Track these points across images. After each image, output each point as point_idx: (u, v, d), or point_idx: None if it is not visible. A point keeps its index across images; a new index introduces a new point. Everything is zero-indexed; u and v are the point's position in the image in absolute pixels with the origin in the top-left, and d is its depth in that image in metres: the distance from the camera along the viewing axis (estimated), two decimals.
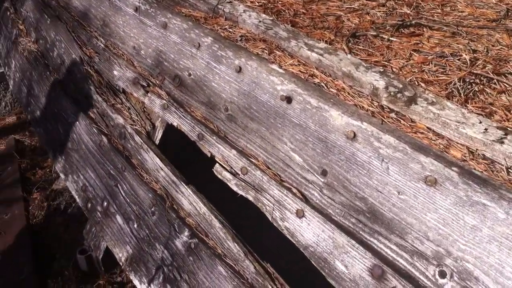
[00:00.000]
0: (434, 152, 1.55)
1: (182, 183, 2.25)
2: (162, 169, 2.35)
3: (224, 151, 2.12)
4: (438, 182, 1.48)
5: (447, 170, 1.47)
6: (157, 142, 2.53)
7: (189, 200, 2.20)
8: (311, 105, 1.86)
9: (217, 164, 2.10)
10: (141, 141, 2.51)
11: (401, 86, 1.79)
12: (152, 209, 2.28)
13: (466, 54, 2.03)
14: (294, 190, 1.86)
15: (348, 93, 1.88)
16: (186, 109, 2.39)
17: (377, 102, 1.81)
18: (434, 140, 1.62)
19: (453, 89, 1.83)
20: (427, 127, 1.67)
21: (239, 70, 2.15)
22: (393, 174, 1.60)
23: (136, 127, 2.59)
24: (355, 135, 1.71)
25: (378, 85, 1.81)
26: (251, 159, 2.04)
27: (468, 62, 1.95)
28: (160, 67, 2.62)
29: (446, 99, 1.74)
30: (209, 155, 2.19)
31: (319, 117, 1.82)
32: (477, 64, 1.97)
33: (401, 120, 1.71)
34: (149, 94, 2.56)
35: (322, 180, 1.80)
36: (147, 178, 2.43)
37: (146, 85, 2.61)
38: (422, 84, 1.87)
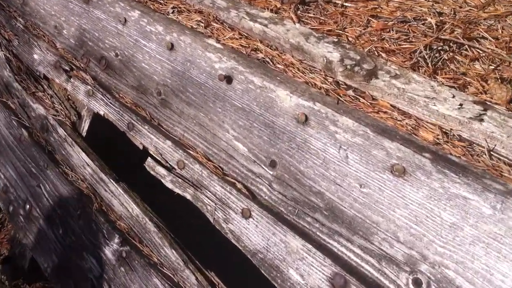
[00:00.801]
0: (401, 136, 1.29)
1: (112, 180, 1.93)
2: (88, 165, 2.03)
3: (157, 142, 1.81)
4: (407, 171, 1.22)
5: (417, 156, 1.22)
6: (83, 134, 2.20)
7: (119, 200, 1.89)
8: (255, 85, 1.57)
9: (149, 158, 1.79)
10: (65, 133, 2.17)
11: (358, 58, 1.52)
12: (78, 212, 1.95)
13: (431, 18, 1.76)
14: (239, 186, 1.58)
15: (298, 69, 1.60)
16: (114, 95, 2.06)
17: (332, 77, 1.54)
18: (400, 121, 1.36)
19: (418, 58, 1.57)
20: (391, 105, 1.40)
21: (171, 47, 1.84)
22: (353, 164, 1.33)
23: (60, 118, 2.24)
24: (307, 118, 1.43)
25: (332, 57, 1.53)
26: (189, 150, 1.74)
27: (434, 26, 1.69)
28: (85, 48, 2.27)
29: (412, 71, 1.48)
30: (141, 147, 1.88)
31: (265, 99, 1.54)
32: (444, 29, 1.71)
33: (360, 98, 1.44)
34: (72, 80, 2.22)
35: (271, 172, 1.52)
36: (72, 176, 2.09)
37: (69, 69, 2.27)
38: (383, 55, 1.60)
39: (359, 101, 1.43)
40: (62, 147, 2.18)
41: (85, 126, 2.18)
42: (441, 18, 1.77)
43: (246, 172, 1.59)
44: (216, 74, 1.68)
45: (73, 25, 2.37)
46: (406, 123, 1.35)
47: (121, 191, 1.88)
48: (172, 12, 1.94)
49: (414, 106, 1.37)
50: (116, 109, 2.00)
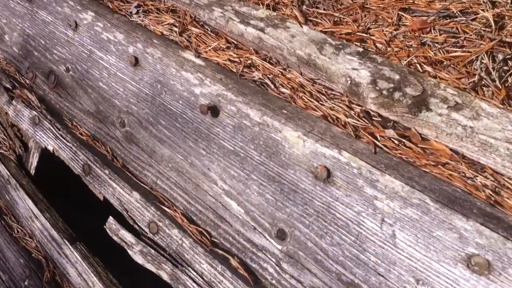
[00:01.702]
0: (480, 208, 0.87)
1: (66, 240, 1.50)
2: (37, 218, 1.60)
3: (122, 193, 1.37)
4: (493, 267, 0.81)
5: (509, 245, 0.79)
6: (32, 171, 1.75)
7: (76, 269, 1.45)
8: (251, 120, 1.13)
9: (110, 217, 1.35)
10: (8, 172, 1.72)
11: (397, 77, 1.09)
12: (26, 283, 1.52)
13: (485, 11, 1.31)
14: (234, 263, 1.15)
15: (310, 94, 1.16)
16: (65, 123, 1.62)
17: (359, 106, 1.10)
18: (472, 178, 0.94)
19: (481, 74, 1.13)
20: (453, 151, 0.98)
21: (135, 62, 1.39)
22: (404, 247, 0.91)
23: (1, 151, 1.79)
24: (329, 173, 1.00)
25: (359, 77, 1.10)
26: (164, 207, 1.30)
27: (492, 23, 1.24)
28: (30, 59, 1.82)
29: (476, 96, 1.05)
30: (101, 197, 1.43)
31: (266, 141, 1.11)
32: (507, 27, 1.27)
33: (406, 141, 1.01)
34: (14, 102, 1.77)
35: (279, 246, 1.09)
36: (18, 231, 1.65)
37: (11, 87, 1.81)
38: (428, 69, 1.16)
39: (405, 146, 1.00)
40: (5, 190, 1.75)
41: (33, 161, 1.74)
42: (497, 10, 1.32)
43: (243, 243, 1.16)
44: (197, 102, 1.24)
45: (15, 28, 1.91)
46: (482, 182, 0.92)
47: (77, 256, 1.45)
48: (137, 13, 1.49)
49: (490, 155, 0.94)
50: (68, 143, 1.56)
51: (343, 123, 1.09)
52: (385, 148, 1.00)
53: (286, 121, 1.10)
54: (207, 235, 1.24)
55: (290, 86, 1.20)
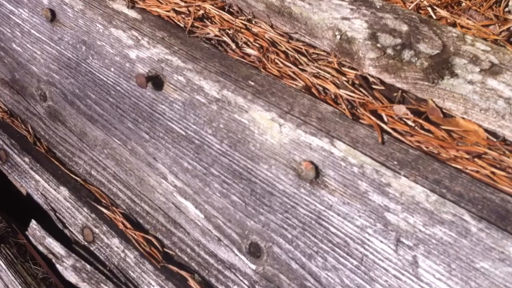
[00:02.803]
0: None
1: None
2: None
3: (47, 188, 1.05)
4: None
5: None
6: None
7: (2, 278, 1.14)
8: (206, 95, 0.81)
9: (32, 220, 1.03)
10: None
11: (405, 28, 0.79)
12: None
13: None
14: (194, 285, 0.85)
15: (286, 56, 0.84)
16: None
17: (354, 70, 0.80)
18: None
19: None
20: (489, 133, 0.69)
21: (52, 17, 1.04)
22: (432, 280, 0.63)
23: None
24: (318, 172, 0.70)
25: (352, 31, 0.80)
26: (100, 207, 0.99)
27: None
28: None
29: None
30: (23, 192, 1.11)
31: (228, 123, 0.80)
32: None
33: (424, 123, 0.71)
34: None
35: (253, 266, 0.80)
36: None
37: None
38: (443, 13, 0.86)
39: (423, 129, 0.70)
40: None
41: None
42: None
43: (205, 257, 0.87)
44: (133, 70, 0.91)
45: None
46: None
47: (2, 264, 1.14)
48: None
49: None
50: None
51: (333, 96, 0.78)
52: (395, 134, 0.70)
53: (254, 97, 0.78)
54: (157, 245, 0.93)
55: (257, 45, 0.88)
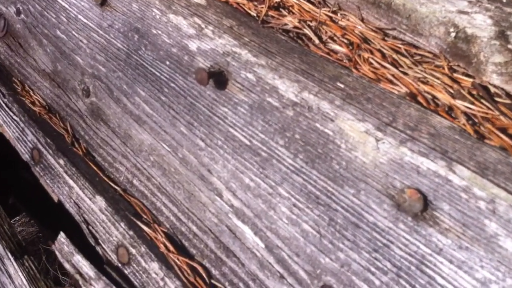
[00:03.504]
0: None
1: (10, 254, 1.05)
2: None
3: (81, 196, 0.92)
4: None
5: None
6: None
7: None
8: (281, 98, 0.67)
9: (61, 233, 0.89)
10: None
11: None
12: None
13: None
14: None
15: (382, 56, 0.68)
16: (15, 88, 1.15)
17: (470, 78, 0.62)
18: None
19: None
20: None
21: (103, 0, 0.90)
22: None
23: None
24: (426, 204, 0.53)
25: (473, 27, 0.63)
26: (140, 223, 0.84)
27: None
28: None
29: None
30: (55, 199, 0.97)
31: (307, 134, 0.66)
32: None
33: None
34: None
35: None
36: None
37: None
38: None
39: None
40: None
41: None
42: None
43: None
44: (193, 64, 0.77)
45: None
46: None
47: (23, 279, 1.00)
48: None
49: None
50: (15, 117, 1.09)
51: (446, 108, 0.61)
52: None
53: (344, 103, 0.62)
54: (204, 275, 0.78)
55: (346, 41, 0.72)
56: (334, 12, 0.76)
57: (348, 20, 0.75)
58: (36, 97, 1.13)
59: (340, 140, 0.62)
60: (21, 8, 1.17)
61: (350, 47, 0.71)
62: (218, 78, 0.74)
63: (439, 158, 0.54)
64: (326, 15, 0.76)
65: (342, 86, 0.64)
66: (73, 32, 1.02)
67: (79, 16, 1.00)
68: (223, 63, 0.74)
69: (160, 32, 0.84)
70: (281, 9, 0.79)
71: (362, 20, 0.75)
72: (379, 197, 0.59)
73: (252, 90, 0.71)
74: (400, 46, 0.71)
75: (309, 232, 0.66)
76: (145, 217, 0.88)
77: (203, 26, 0.77)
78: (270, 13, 0.77)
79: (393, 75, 0.66)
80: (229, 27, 0.75)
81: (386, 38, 0.72)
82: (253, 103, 0.71)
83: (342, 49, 0.71)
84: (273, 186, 0.70)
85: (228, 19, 0.76)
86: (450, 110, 0.61)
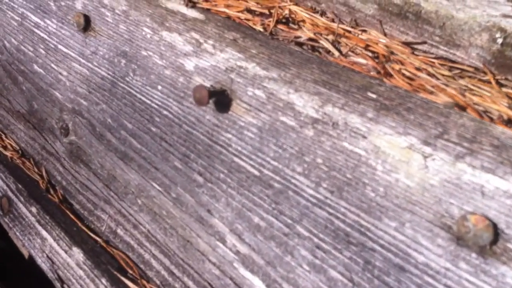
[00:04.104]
0: None
1: None
2: None
3: (55, 249, 0.79)
4: None
5: None
6: None
7: None
8: (298, 115, 0.56)
9: None
10: None
11: None
12: None
13: None
14: None
15: (414, 68, 0.57)
16: None
17: None
18: None
19: None
20: None
21: (86, 24, 0.81)
22: None
23: None
24: (496, 235, 0.40)
25: None
26: (125, 279, 0.70)
27: None
28: None
29: None
30: (25, 254, 0.84)
31: (332, 156, 0.54)
32: None
33: None
34: None
35: None
36: None
37: None
38: None
39: None
40: None
41: None
42: None
43: None
44: (189, 86, 0.65)
45: None
46: None
47: None
48: None
49: None
50: None
51: (503, 118, 0.50)
52: None
53: (379, 115, 0.50)
54: None
55: (370, 54, 0.61)
56: (353, 28, 0.67)
57: (369, 34, 0.66)
58: (9, 141, 1.01)
59: (376, 160, 0.50)
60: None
61: (377, 60, 0.61)
62: (220, 99, 0.63)
63: (510, 174, 0.43)
64: (344, 29, 0.66)
65: (374, 96, 0.53)
66: (52, 65, 0.91)
67: (59, 46, 0.90)
68: (226, 81, 0.63)
69: (151, 53, 0.73)
70: (290, 24, 0.69)
71: (385, 35, 0.66)
72: (430, 229, 0.47)
73: (262, 110, 0.60)
74: (434, 60, 0.61)
75: (338, 281, 0.53)
76: (130, 272, 0.74)
77: (201, 41, 0.67)
78: (279, 26, 0.67)
79: (433, 86, 0.55)
80: (233, 39, 0.65)
81: (414, 53, 0.62)
82: (263, 125, 0.60)
83: (367, 62, 0.61)
84: (290, 224, 0.57)
85: (231, 32, 0.66)
86: (509, 122, 0.50)
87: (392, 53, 0.62)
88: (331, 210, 0.54)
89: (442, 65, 0.60)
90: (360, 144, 0.52)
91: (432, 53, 0.63)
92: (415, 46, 0.64)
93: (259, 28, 0.68)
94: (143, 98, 0.74)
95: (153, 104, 0.73)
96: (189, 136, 0.68)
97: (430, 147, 0.47)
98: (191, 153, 0.68)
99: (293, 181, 0.57)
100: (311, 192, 0.56)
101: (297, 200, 0.57)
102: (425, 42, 0.63)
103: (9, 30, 1.03)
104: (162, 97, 0.71)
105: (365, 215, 0.51)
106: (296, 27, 0.69)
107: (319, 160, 0.55)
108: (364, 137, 0.51)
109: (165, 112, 0.71)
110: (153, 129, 0.73)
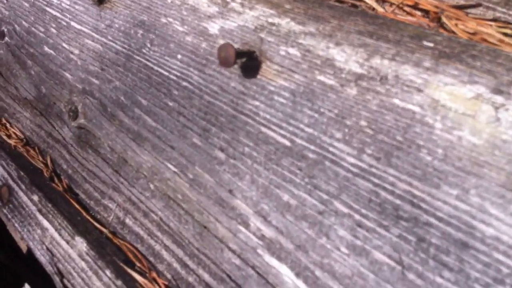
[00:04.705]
0: None
1: None
2: None
3: (56, 239, 0.71)
4: None
5: None
6: None
7: None
8: (339, 73, 0.49)
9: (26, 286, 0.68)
10: None
11: None
12: None
13: None
14: None
15: (475, 24, 0.49)
16: None
17: None
18: None
19: None
20: None
21: None
22: None
23: None
24: None
25: None
26: (133, 272, 0.62)
27: None
28: None
29: None
30: (23, 248, 0.76)
31: (379, 117, 0.46)
32: None
33: None
34: None
35: None
36: None
37: None
38: None
39: None
40: None
41: None
42: None
43: None
44: (213, 51, 0.59)
45: None
46: None
47: None
48: None
49: None
50: None
51: None
52: None
53: (438, 63, 0.43)
54: None
55: (420, 11, 0.55)
56: None
57: None
58: (14, 130, 0.95)
59: (433, 117, 0.43)
60: (5, 30, 1.02)
61: (428, 17, 0.54)
62: (248, 62, 0.56)
63: None
64: None
65: (431, 45, 0.45)
66: (63, 44, 0.86)
67: (72, 23, 0.84)
68: (255, 41, 0.57)
69: (171, 19, 0.67)
70: None
71: None
72: (502, 195, 0.39)
73: (296, 70, 0.53)
74: (491, 23, 0.54)
75: (383, 264, 0.45)
76: (138, 265, 0.67)
77: (228, 0, 0.61)
78: None
79: (499, 40, 0.48)
80: None
81: (470, 15, 0.55)
82: (297, 88, 0.53)
83: (417, 20, 0.54)
84: (326, 200, 0.50)
85: None
86: None
87: (444, 11, 0.55)
88: (376, 180, 0.46)
89: (500, 27, 0.53)
90: (415, 99, 0.44)
91: (489, 18, 0.56)
92: (468, 11, 0.57)
93: None
94: (160, 70, 0.68)
95: (171, 76, 0.66)
96: (210, 108, 0.61)
97: (502, 95, 0.40)
98: (212, 126, 0.61)
99: (331, 149, 0.50)
100: (353, 160, 0.48)
101: (335, 171, 0.49)
102: (480, 5, 0.56)
103: (20, 12, 0.99)
104: (182, 66, 0.65)
105: (419, 184, 0.44)
106: None
107: (363, 123, 0.48)
108: (420, 90, 0.44)
109: (184, 84, 0.65)
110: (170, 103, 0.66)
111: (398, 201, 0.45)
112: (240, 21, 0.59)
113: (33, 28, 0.94)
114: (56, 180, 0.83)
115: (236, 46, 0.59)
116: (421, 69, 0.44)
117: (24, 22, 0.97)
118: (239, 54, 0.56)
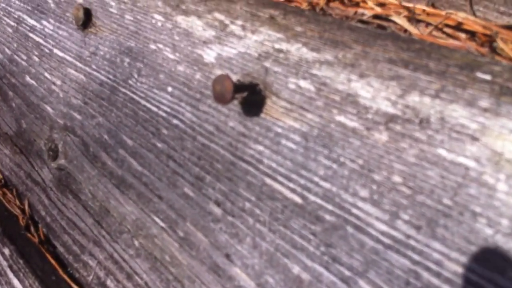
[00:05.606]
0: None
1: None
2: None
3: None
4: None
5: None
6: None
7: None
8: (365, 112, 0.37)
9: None
10: None
11: None
12: None
13: None
14: None
15: None
16: None
17: None
18: None
19: None
20: None
21: (86, 19, 0.65)
22: None
23: None
24: None
25: None
26: None
27: None
28: None
29: None
30: None
31: (417, 171, 0.34)
32: None
33: None
34: None
35: None
36: None
37: None
38: None
39: None
40: None
41: None
42: None
43: None
44: (207, 86, 0.48)
45: None
46: None
47: None
48: None
49: None
50: None
51: None
52: None
53: (499, 103, 0.32)
54: None
55: (463, 34, 0.44)
56: (432, 6, 0.50)
57: (456, 15, 0.48)
58: None
59: (495, 175, 0.32)
60: None
61: (476, 38, 0.43)
62: (249, 97, 0.46)
63: None
64: (421, 9, 0.49)
65: (487, 77, 0.34)
66: (45, 74, 0.76)
67: (55, 50, 0.75)
68: (258, 71, 0.46)
69: (161, 46, 0.57)
70: (344, 1, 0.52)
71: (474, 15, 0.48)
72: None
73: (309, 108, 0.42)
74: None
75: None
76: None
77: (227, 22, 0.50)
78: (331, 5, 0.51)
79: None
80: (269, 17, 0.48)
81: None
82: (310, 130, 0.42)
83: (462, 44, 0.43)
84: (348, 278, 0.38)
85: (267, 9, 0.49)
86: None
87: (497, 33, 0.44)
88: (416, 257, 0.35)
89: None
90: (468, 150, 0.33)
91: None
92: None
93: (305, 6, 0.52)
94: (148, 105, 0.58)
95: (160, 112, 0.56)
96: (205, 152, 0.50)
97: None
98: (206, 174, 0.50)
99: (354, 211, 0.39)
100: (384, 228, 0.37)
101: (360, 240, 0.38)
102: None
103: (3, 39, 0.89)
104: (173, 101, 0.55)
105: (476, 266, 0.32)
106: (354, 3, 0.52)
107: (397, 179, 0.36)
108: (475, 138, 0.33)
109: (175, 121, 0.54)
110: (159, 145, 0.56)
111: (446, 287, 0.33)
112: (241, 47, 0.48)
113: (15, 56, 0.85)
114: (32, 229, 0.72)
115: (235, 77, 0.48)
116: (476, 110, 0.33)
117: (6, 50, 0.88)
118: (239, 87, 0.45)
